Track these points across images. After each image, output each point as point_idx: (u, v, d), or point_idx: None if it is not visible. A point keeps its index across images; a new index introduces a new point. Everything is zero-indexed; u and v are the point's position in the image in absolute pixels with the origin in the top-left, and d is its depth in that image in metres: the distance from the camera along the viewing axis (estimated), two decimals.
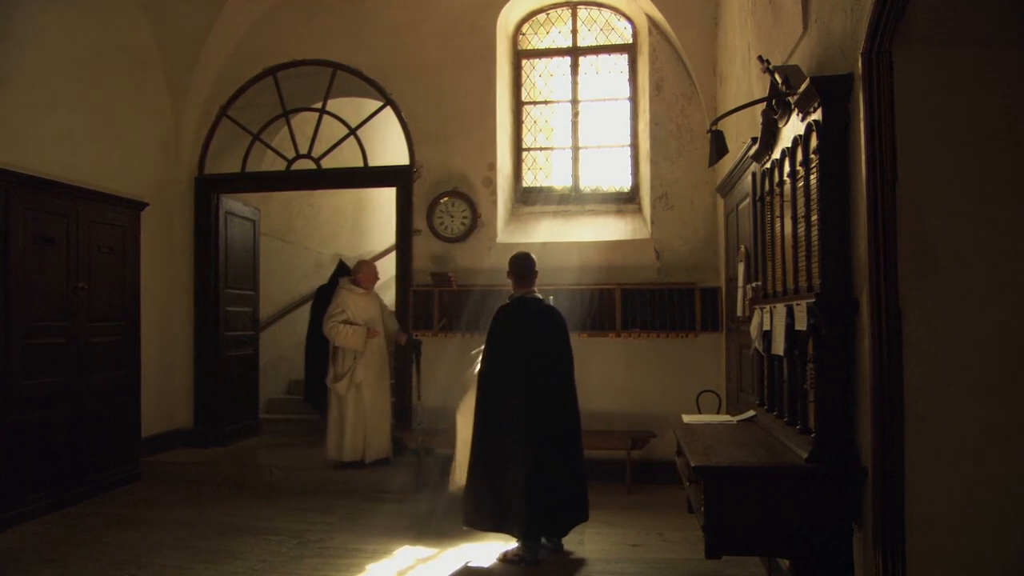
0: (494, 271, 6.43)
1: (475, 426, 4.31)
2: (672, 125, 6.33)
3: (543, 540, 4.32)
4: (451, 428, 6.04)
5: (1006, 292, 2.40)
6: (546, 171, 7.04)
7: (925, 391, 2.42)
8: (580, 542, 4.57)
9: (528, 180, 7.02)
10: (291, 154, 6.79)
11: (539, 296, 4.44)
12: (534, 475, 4.12)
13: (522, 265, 4.43)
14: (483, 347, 4.43)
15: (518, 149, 7.00)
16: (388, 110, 6.72)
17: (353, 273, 6.16)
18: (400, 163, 6.74)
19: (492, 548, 4.49)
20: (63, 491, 5.32)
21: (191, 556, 4.36)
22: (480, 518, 4.27)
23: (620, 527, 4.86)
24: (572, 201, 6.83)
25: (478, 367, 5.38)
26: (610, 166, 6.90)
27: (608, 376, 6.28)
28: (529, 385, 4.20)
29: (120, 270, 5.95)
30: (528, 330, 4.30)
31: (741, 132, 4.55)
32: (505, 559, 4.24)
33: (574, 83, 6.88)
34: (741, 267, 4.59)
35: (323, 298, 6.57)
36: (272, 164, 6.99)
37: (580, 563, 4.23)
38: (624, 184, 6.82)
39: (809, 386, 2.83)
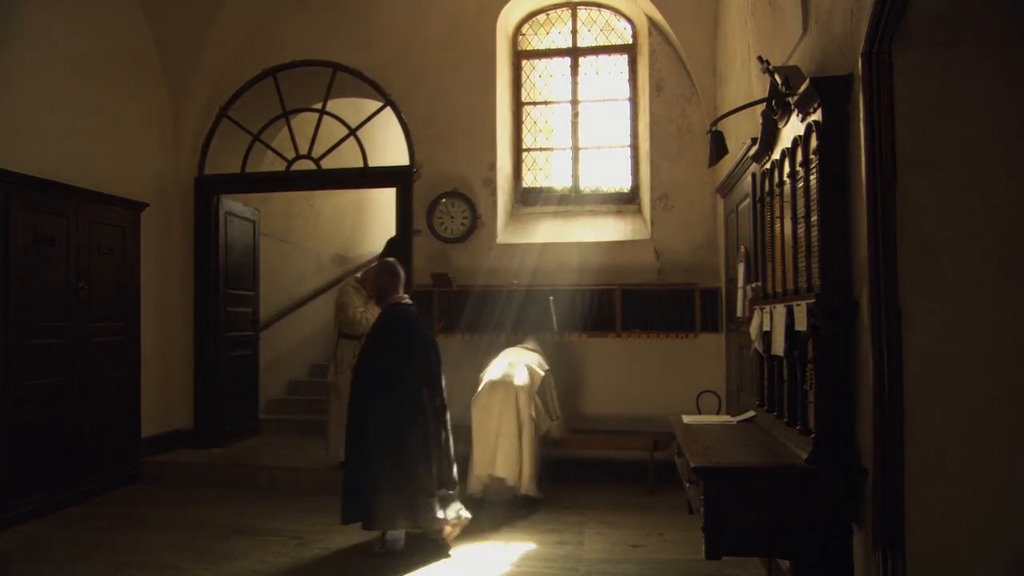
0: (494, 271, 6.44)
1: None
2: (672, 126, 6.34)
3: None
4: (455, 428, 6.06)
5: (1005, 292, 2.41)
6: (546, 171, 7.04)
7: (925, 391, 2.42)
8: (580, 543, 4.58)
9: (528, 180, 7.02)
10: (291, 154, 6.79)
11: (406, 301, 4.60)
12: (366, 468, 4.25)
13: (392, 273, 4.61)
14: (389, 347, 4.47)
15: (518, 149, 7.00)
16: (388, 110, 6.71)
17: (364, 278, 6.01)
18: (400, 163, 6.74)
19: (492, 548, 4.49)
20: (63, 491, 5.32)
21: (191, 556, 4.36)
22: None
23: (621, 527, 4.86)
24: (572, 201, 6.83)
25: (489, 369, 5.42)
26: (610, 167, 6.91)
27: (608, 377, 6.29)
28: (381, 384, 4.34)
29: (120, 270, 5.95)
30: (409, 336, 4.44)
31: (741, 133, 4.56)
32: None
33: (574, 83, 6.89)
34: (741, 268, 4.59)
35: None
36: (272, 164, 6.99)
37: (580, 563, 4.23)
38: (624, 185, 6.82)
39: (809, 386, 2.83)
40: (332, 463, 5.83)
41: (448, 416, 4.53)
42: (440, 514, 4.30)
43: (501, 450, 5.22)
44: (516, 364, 5.46)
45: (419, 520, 4.27)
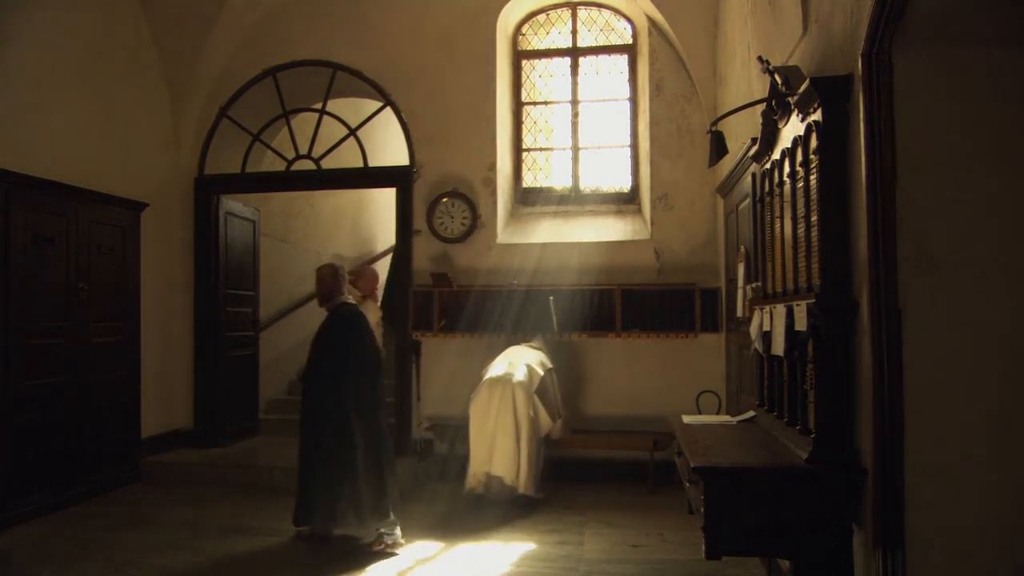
0: (494, 272, 6.44)
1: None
2: (672, 126, 6.34)
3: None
4: (455, 428, 6.08)
5: (1005, 291, 2.41)
6: (546, 171, 7.04)
7: (925, 391, 2.42)
8: (580, 543, 4.58)
9: (528, 180, 7.02)
10: (291, 154, 6.80)
11: (353, 302, 4.77)
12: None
13: (335, 275, 4.77)
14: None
15: (518, 149, 7.00)
16: (388, 111, 6.72)
17: (356, 278, 5.91)
18: (400, 164, 6.74)
19: (492, 548, 4.49)
20: (63, 491, 5.32)
21: (191, 556, 4.36)
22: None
23: (621, 527, 4.86)
24: (572, 201, 6.83)
25: (489, 368, 5.44)
26: (610, 167, 6.90)
27: (608, 377, 6.29)
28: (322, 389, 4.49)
29: (120, 270, 5.95)
30: (348, 335, 4.60)
31: (741, 133, 4.56)
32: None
33: (574, 83, 6.89)
34: (741, 268, 4.59)
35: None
36: (272, 164, 7.00)
37: (580, 563, 4.23)
38: (624, 185, 6.82)
39: (809, 386, 2.83)
40: None
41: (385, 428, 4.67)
42: (379, 525, 4.43)
43: (498, 448, 5.22)
44: (516, 363, 5.46)
45: (360, 521, 4.45)
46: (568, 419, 5.96)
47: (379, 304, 6.20)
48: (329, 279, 4.72)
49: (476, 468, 5.28)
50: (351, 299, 4.79)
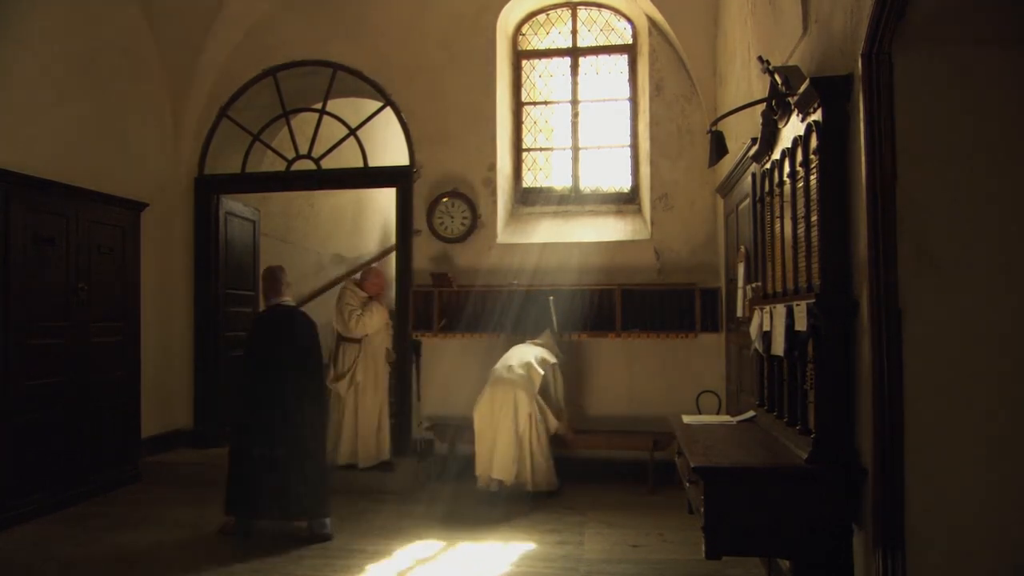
0: (494, 272, 6.44)
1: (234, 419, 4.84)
2: (672, 126, 6.34)
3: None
4: (455, 428, 6.09)
5: (1005, 292, 2.41)
6: (546, 171, 7.04)
7: (925, 391, 2.42)
8: (580, 543, 4.58)
9: (528, 180, 7.02)
10: (291, 154, 6.79)
11: (288, 304, 4.90)
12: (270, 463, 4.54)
13: (269, 278, 4.97)
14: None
15: (518, 149, 7.00)
16: (388, 110, 6.72)
17: (362, 279, 6.04)
18: (400, 163, 6.74)
19: (492, 548, 4.49)
20: (63, 491, 5.32)
21: (191, 556, 4.36)
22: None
23: (620, 527, 4.86)
24: (572, 201, 6.83)
25: (493, 371, 5.48)
26: (610, 167, 6.90)
27: (608, 377, 6.29)
28: (270, 383, 4.64)
29: (120, 270, 5.95)
30: (273, 335, 4.76)
31: (741, 133, 4.56)
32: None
33: (574, 83, 6.88)
34: (741, 268, 4.59)
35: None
36: (272, 164, 6.99)
37: (580, 563, 4.23)
38: (624, 185, 6.82)
39: (809, 386, 2.83)
40: (332, 464, 5.79)
41: (326, 412, 4.94)
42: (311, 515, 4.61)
43: (498, 452, 5.30)
44: (518, 364, 5.47)
45: (287, 512, 4.61)
46: (571, 417, 5.97)
47: (388, 307, 6.17)
48: (264, 282, 5.00)
49: (481, 471, 5.39)
50: (288, 301, 4.90)
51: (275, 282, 4.91)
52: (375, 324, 5.80)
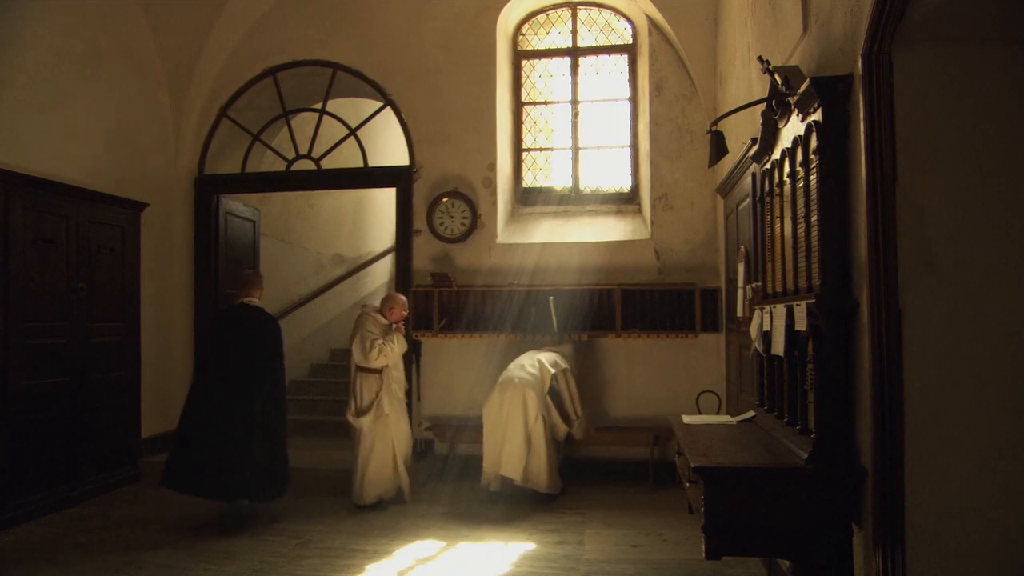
0: (494, 271, 6.44)
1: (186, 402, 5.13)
2: (672, 126, 6.34)
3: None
4: (455, 428, 6.09)
5: (1005, 292, 2.40)
6: (546, 171, 7.04)
7: (925, 391, 2.42)
8: (580, 543, 4.58)
9: (528, 180, 7.02)
10: (291, 154, 6.80)
11: (253, 303, 5.12)
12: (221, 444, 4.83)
13: (240, 278, 5.33)
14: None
15: (518, 150, 7.00)
16: (388, 111, 6.72)
17: (382, 306, 5.53)
18: (400, 163, 6.74)
19: (492, 548, 4.49)
20: (63, 491, 5.32)
21: (191, 556, 4.36)
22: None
23: (620, 528, 4.86)
24: (572, 201, 6.83)
25: (505, 372, 5.49)
26: (610, 167, 6.90)
27: (608, 377, 6.29)
28: (225, 376, 4.94)
29: (120, 270, 5.95)
30: (232, 332, 5.06)
31: (741, 133, 4.56)
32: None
33: (574, 84, 6.89)
34: (741, 268, 4.59)
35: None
36: (272, 164, 7.00)
37: (580, 563, 4.23)
38: (624, 185, 6.82)
39: (809, 386, 2.83)
40: (354, 504, 5.32)
41: (284, 403, 5.12)
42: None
43: (507, 449, 5.27)
44: (529, 364, 5.49)
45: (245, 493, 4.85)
46: (591, 418, 5.98)
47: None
48: (236, 282, 5.37)
49: (489, 468, 5.37)
50: (255, 301, 5.12)
51: (243, 284, 5.22)
52: (397, 354, 5.39)
